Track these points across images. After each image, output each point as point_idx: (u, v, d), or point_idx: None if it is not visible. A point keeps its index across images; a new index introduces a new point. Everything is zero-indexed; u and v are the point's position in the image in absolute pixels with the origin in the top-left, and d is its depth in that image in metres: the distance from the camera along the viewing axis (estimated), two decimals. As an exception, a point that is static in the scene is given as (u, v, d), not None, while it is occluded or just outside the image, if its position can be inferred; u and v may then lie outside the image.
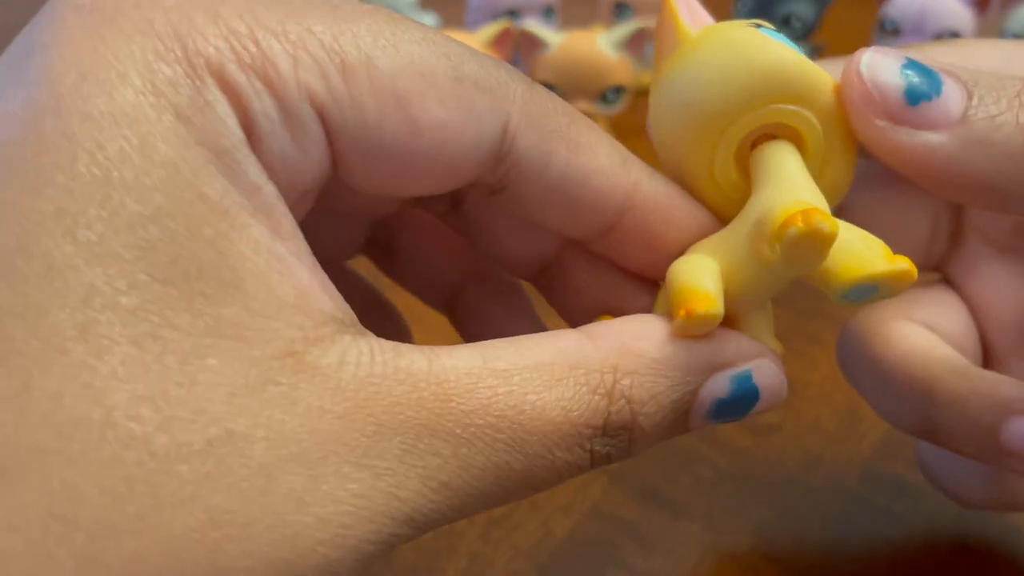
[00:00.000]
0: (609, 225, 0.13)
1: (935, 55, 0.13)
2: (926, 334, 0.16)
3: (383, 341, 0.11)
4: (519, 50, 0.37)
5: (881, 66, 0.12)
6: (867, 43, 0.40)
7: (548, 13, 0.46)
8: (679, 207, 0.13)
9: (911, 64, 0.12)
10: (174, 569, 0.09)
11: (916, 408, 0.15)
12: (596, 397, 0.11)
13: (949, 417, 0.15)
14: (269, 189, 0.10)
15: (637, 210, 0.13)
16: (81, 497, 0.08)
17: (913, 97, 0.12)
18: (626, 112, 0.37)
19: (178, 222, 0.09)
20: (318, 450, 0.09)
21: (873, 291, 0.12)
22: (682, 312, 0.11)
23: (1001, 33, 0.43)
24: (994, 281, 0.17)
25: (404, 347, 0.11)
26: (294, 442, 0.09)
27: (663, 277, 0.13)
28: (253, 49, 0.10)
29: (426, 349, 0.11)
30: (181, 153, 0.09)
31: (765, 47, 0.12)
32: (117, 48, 0.10)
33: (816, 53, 0.50)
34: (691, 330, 0.11)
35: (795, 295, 0.29)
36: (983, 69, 0.13)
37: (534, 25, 0.36)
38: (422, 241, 0.16)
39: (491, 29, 0.35)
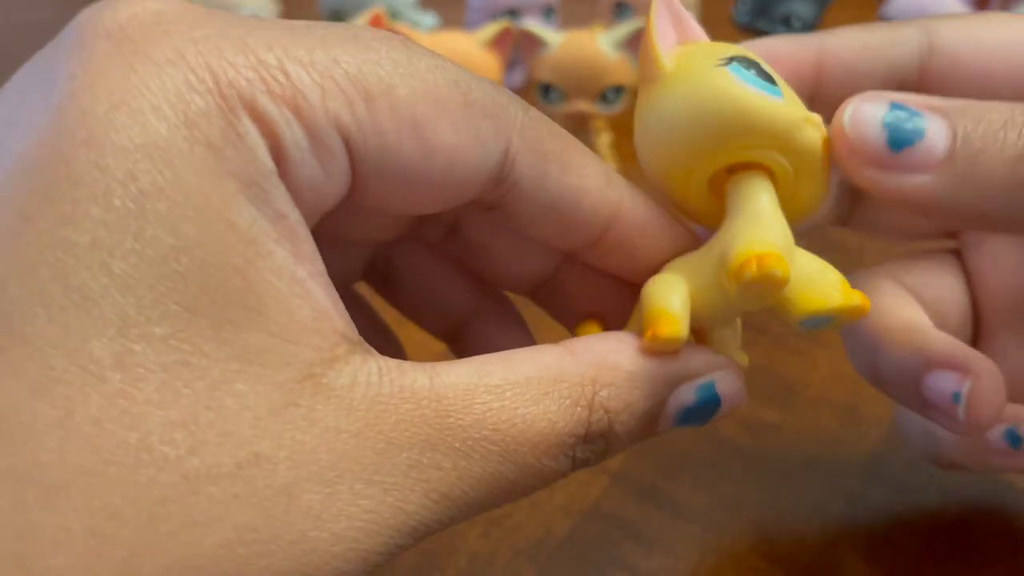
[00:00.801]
0: (596, 238, 0.14)
1: (945, 33, 0.14)
2: (899, 293, 0.17)
3: (388, 360, 0.11)
4: (519, 50, 0.37)
5: (863, 117, 0.12)
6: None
7: (548, 13, 0.46)
8: (657, 224, 0.14)
9: (894, 109, 0.12)
10: None
11: (865, 355, 0.17)
12: (578, 408, 0.12)
13: (887, 366, 0.16)
14: (295, 216, 0.11)
15: (621, 225, 0.14)
16: (120, 516, 0.09)
17: (896, 144, 0.12)
18: (626, 111, 0.37)
19: (208, 252, 0.10)
20: (334, 468, 0.10)
21: (829, 321, 0.13)
22: (649, 333, 0.12)
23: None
24: (996, 257, 0.18)
25: (407, 365, 0.11)
26: (313, 461, 0.10)
27: (641, 279, 0.14)
28: (283, 80, 0.10)
29: (426, 366, 0.11)
30: (213, 185, 0.10)
31: (731, 94, 0.12)
32: (149, 79, 0.10)
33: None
34: (657, 350, 0.13)
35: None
36: (991, 51, 0.14)
37: (534, 25, 0.36)
38: (420, 272, 0.16)
39: (491, 29, 0.35)
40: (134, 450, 0.09)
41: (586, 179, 0.13)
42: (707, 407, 0.13)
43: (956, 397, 0.15)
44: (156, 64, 0.10)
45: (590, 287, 0.15)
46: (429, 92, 0.11)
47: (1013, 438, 0.17)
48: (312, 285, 0.11)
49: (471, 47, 0.35)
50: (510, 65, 0.44)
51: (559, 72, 0.35)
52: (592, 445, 0.12)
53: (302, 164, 0.11)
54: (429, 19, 0.51)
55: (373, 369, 0.11)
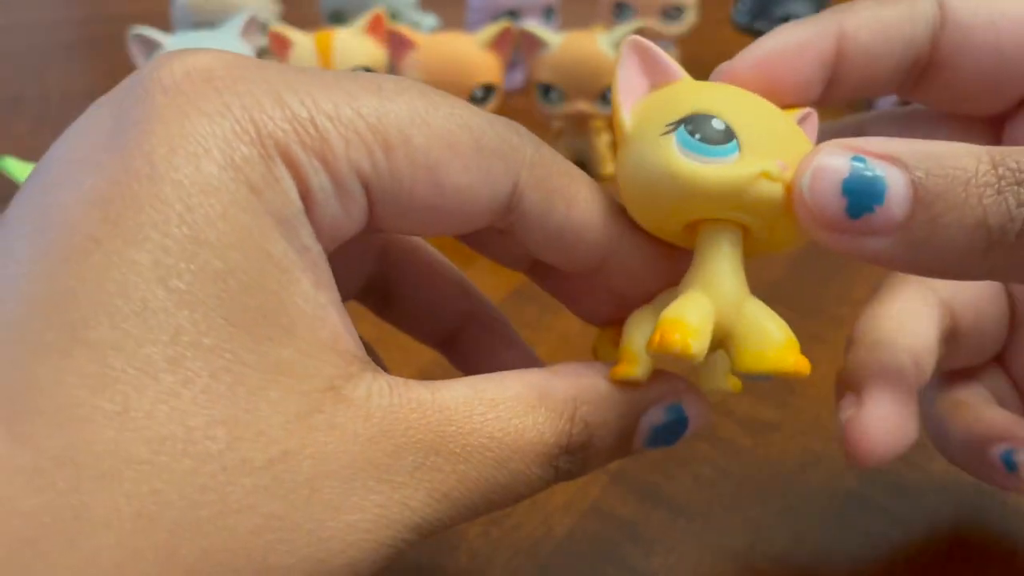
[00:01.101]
0: (595, 266, 0.15)
1: (958, 6, 0.15)
2: (919, 305, 0.18)
3: (393, 377, 0.13)
4: (519, 50, 0.37)
5: (822, 185, 0.12)
6: None
7: (548, 13, 0.46)
8: (653, 257, 0.15)
9: (853, 176, 0.12)
10: (235, 564, 0.10)
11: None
12: (561, 421, 0.13)
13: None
14: (316, 249, 0.12)
15: (617, 257, 0.15)
16: (165, 501, 0.10)
17: (855, 212, 0.12)
18: (626, 112, 0.37)
19: (249, 276, 0.11)
20: (350, 467, 0.11)
21: (767, 378, 0.13)
22: (611, 370, 0.14)
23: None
24: None
25: (411, 382, 0.13)
26: (333, 460, 0.11)
27: (644, 299, 0.15)
28: (312, 132, 0.12)
29: (427, 383, 0.13)
30: (254, 220, 0.11)
31: (669, 170, 0.12)
32: (201, 127, 0.11)
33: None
34: (619, 384, 0.14)
35: (795, 295, 0.30)
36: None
37: (534, 25, 0.36)
38: (419, 285, 0.18)
39: (491, 29, 0.35)
40: (180, 443, 0.10)
41: (590, 213, 0.14)
42: (675, 426, 0.14)
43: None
44: (207, 115, 0.11)
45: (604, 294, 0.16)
46: (443, 138, 0.13)
47: (1008, 462, 0.17)
48: (331, 311, 0.12)
49: (471, 48, 0.35)
50: (510, 65, 0.44)
51: (559, 72, 0.35)
52: (573, 456, 0.13)
53: (326, 205, 0.12)
54: (430, 20, 0.51)
55: (384, 384, 0.12)
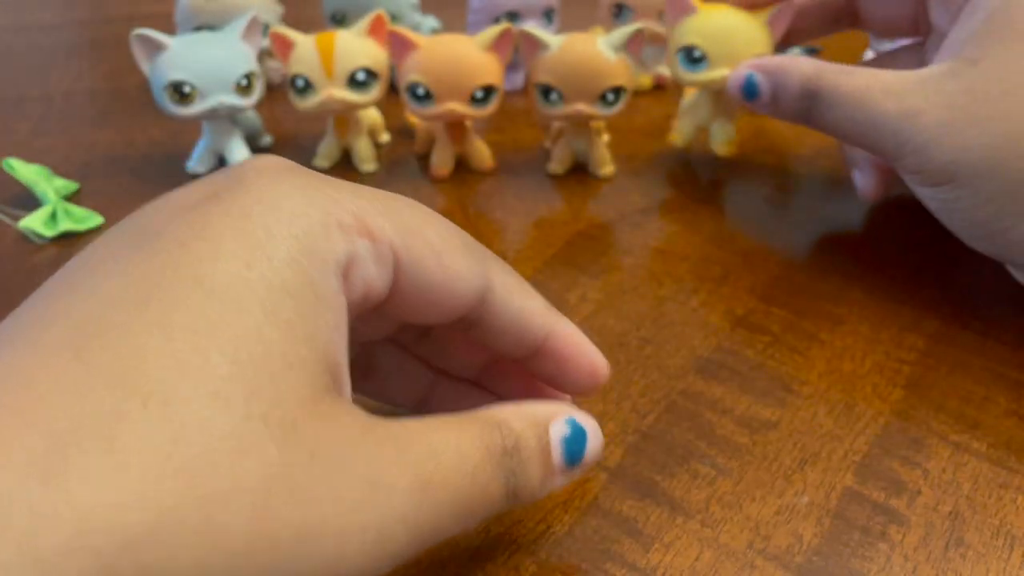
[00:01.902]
0: (538, 348, 0.19)
1: None
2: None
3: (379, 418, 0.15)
4: (519, 52, 0.37)
5: (732, 84, 0.29)
6: (863, 44, 0.41)
7: (548, 15, 0.46)
8: (580, 340, 0.20)
9: (745, 80, 0.32)
10: (240, 502, 0.12)
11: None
12: (494, 430, 0.16)
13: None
14: (342, 300, 0.15)
15: (554, 340, 0.19)
16: (188, 435, 0.12)
17: (749, 97, 0.32)
18: (625, 113, 0.37)
19: (306, 303, 0.14)
20: (345, 453, 0.14)
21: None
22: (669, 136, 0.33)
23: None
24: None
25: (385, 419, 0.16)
26: (329, 444, 0.14)
27: (572, 390, 0.21)
28: (363, 220, 0.16)
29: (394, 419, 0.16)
30: (321, 269, 0.15)
31: (678, 75, 0.32)
32: (299, 200, 0.15)
33: (812, 55, 0.50)
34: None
35: (791, 295, 0.30)
36: None
37: (534, 27, 0.36)
38: (398, 363, 0.22)
39: (492, 31, 0.35)
40: (212, 396, 0.12)
41: (534, 303, 0.19)
42: (578, 435, 0.18)
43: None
44: (302, 190, 0.16)
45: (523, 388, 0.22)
46: (444, 236, 0.17)
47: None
48: (340, 345, 0.15)
49: (472, 49, 0.35)
50: (510, 67, 0.45)
51: (559, 74, 0.35)
52: (511, 458, 0.16)
53: (367, 262, 0.16)
54: (430, 21, 0.51)
55: (368, 417, 0.15)
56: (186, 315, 0.13)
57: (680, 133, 0.39)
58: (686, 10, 0.35)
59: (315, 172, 0.17)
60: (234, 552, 0.12)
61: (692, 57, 0.35)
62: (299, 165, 0.17)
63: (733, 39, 0.34)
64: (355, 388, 0.21)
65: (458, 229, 0.18)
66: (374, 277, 0.16)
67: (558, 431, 0.18)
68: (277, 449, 0.13)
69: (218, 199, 0.15)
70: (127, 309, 0.13)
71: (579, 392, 0.21)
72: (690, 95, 0.39)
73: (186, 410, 0.12)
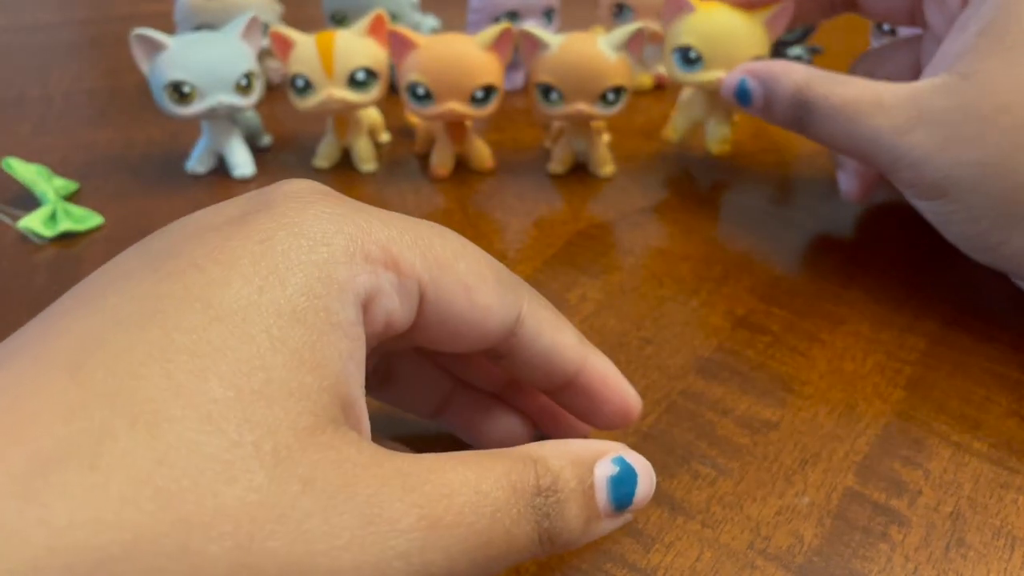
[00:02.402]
0: (569, 381, 0.19)
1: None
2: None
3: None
4: (519, 51, 0.37)
5: (726, 87, 0.32)
6: (864, 44, 0.41)
7: (548, 15, 0.46)
8: (613, 375, 0.19)
9: (739, 84, 0.32)
10: (222, 529, 0.12)
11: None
12: (527, 468, 0.15)
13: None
14: (360, 330, 0.15)
15: (586, 374, 0.19)
16: (176, 456, 0.12)
17: (743, 102, 0.32)
18: (625, 113, 0.37)
19: (318, 331, 0.14)
20: (339, 488, 0.13)
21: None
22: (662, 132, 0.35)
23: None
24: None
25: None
26: (323, 479, 0.13)
27: (600, 425, 0.20)
28: (390, 252, 0.16)
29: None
30: (340, 298, 0.14)
31: (674, 75, 0.36)
32: (330, 224, 0.15)
33: (814, 55, 0.50)
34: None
35: (791, 295, 0.30)
36: None
37: (534, 27, 0.36)
38: (417, 371, 0.21)
39: (492, 31, 0.35)
40: (201, 418, 0.12)
41: (567, 337, 0.19)
42: (627, 475, 0.17)
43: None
44: (325, 215, 0.15)
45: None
46: (476, 270, 0.17)
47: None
48: (353, 373, 0.15)
49: (472, 49, 0.35)
50: (511, 66, 0.45)
51: (559, 74, 0.35)
52: (547, 499, 0.15)
53: (390, 296, 0.15)
54: (430, 21, 0.51)
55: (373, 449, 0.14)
56: (189, 337, 0.13)
57: (675, 129, 0.39)
58: (683, 8, 0.35)
59: (349, 199, 0.16)
60: None
61: (688, 58, 0.35)
62: (333, 191, 0.16)
63: (729, 40, 0.34)
64: (372, 394, 0.20)
65: (492, 260, 0.18)
66: (397, 310, 0.16)
67: (604, 471, 0.16)
68: (266, 477, 0.12)
69: (243, 222, 0.15)
70: (129, 328, 0.13)
71: (609, 427, 0.20)
72: (687, 91, 0.39)
73: (174, 431, 0.12)
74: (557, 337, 0.18)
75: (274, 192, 0.16)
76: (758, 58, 0.34)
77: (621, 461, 0.17)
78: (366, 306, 0.15)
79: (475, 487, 0.14)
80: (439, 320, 0.17)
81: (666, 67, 0.36)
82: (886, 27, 0.44)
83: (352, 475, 0.13)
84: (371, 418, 0.15)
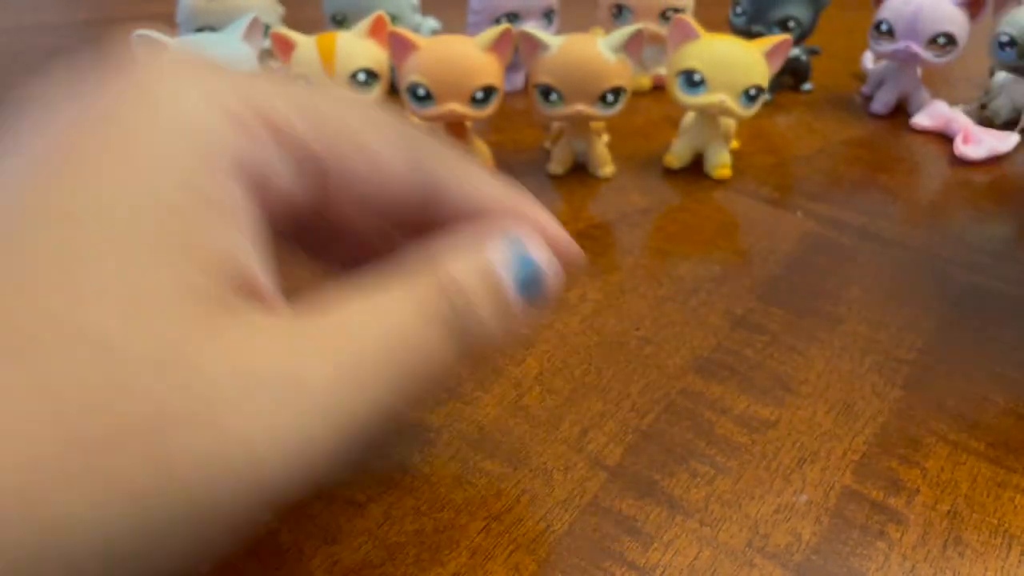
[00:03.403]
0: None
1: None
2: None
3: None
4: (519, 53, 0.37)
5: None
6: (862, 46, 0.41)
7: (548, 16, 0.46)
8: (550, 230, 0.19)
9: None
10: (129, 447, 0.11)
11: None
12: (426, 280, 0.15)
13: None
14: (239, 196, 0.14)
15: (520, 222, 0.18)
16: (62, 382, 0.11)
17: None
18: (624, 114, 0.37)
19: (196, 215, 0.13)
20: (245, 370, 0.13)
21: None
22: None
23: (994, 36, 0.44)
24: None
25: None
26: (227, 362, 0.13)
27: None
28: (267, 116, 0.15)
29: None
30: (213, 175, 0.14)
31: (676, 98, 0.32)
32: (209, 83, 0.14)
33: (812, 55, 0.50)
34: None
35: (790, 295, 0.30)
36: None
37: (534, 28, 0.36)
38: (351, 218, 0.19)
39: (492, 32, 0.35)
40: (82, 334, 0.12)
41: (490, 188, 0.18)
42: (521, 256, 0.16)
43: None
44: (190, 81, 0.14)
45: None
46: (371, 121, 0.16)
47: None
48: (244, 248, 0.14)
49: (472, 50, 0.35)
50: (510, 68, 0.45)
51: (558, 75, 0.35)
52: (451, 304, 0.15)
53: (272, 160, 0.15)
54: (430, 23, 0.51)
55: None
56: (54, 255, 0.12)
57: (676, 156, 0.40)
58: (689, 35, 0.36)
59: (209, 60, 0.15)
60: (133, 494, 0.11)
61: (692, 80, 0.36)
62: (194, 58, 0.15)
63: (732, 66, 0.36)
64: (319, 261, 0.19)
65: (387, 112, 0.16)
66: (283, 174, 0.15)
67: (499, 256, 0.16)
68: (162, 382, 0.12)
69: (84, 104, 0.13)
70: None
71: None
72: (688, 117, 0.40)
73: (55, 359, 0.11)
74: (482, 190, 0.17)
75: (124, 64, 0.14)
76: (758, 86, 0.36)
77: (512, 239, 0.16)
78: (249, 173, 0.14)
79: (380, 319, 0.14)
80: (341, 188, 0.15)
81: (670, 91, 0.37)
82: (885, 27, 0.44)
83: (257, 346, 0.13)
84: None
